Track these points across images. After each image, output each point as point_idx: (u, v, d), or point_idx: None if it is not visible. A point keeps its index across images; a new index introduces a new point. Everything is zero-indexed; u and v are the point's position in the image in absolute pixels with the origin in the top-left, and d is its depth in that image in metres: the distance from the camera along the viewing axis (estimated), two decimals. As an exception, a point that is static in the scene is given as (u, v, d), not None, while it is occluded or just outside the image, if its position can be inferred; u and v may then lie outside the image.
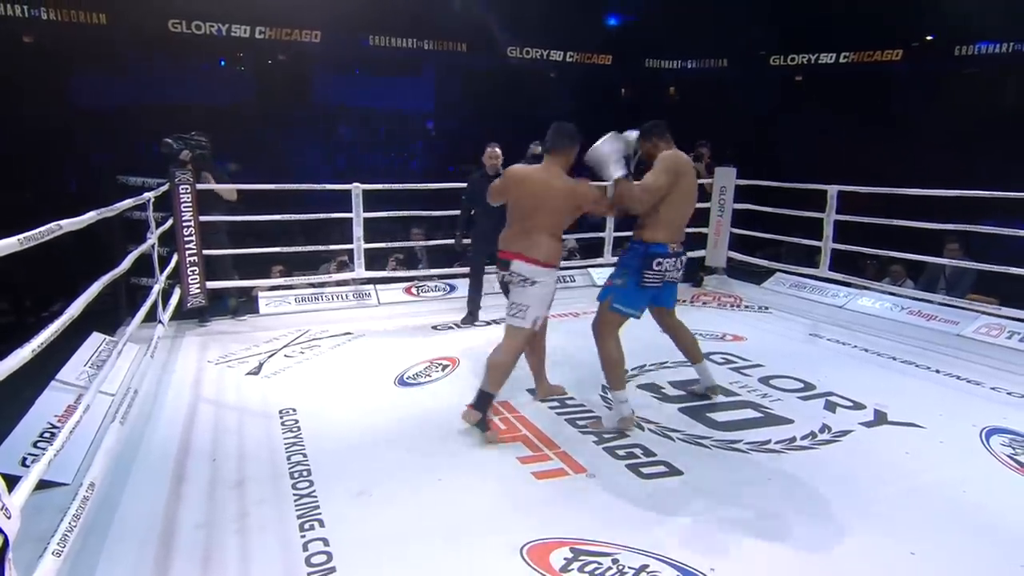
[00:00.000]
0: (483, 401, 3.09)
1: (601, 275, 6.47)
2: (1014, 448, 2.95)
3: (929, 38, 18.20)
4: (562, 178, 3.05)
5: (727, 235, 6.51)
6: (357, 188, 5.47)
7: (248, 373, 3.95)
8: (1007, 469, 2.78)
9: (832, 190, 5.61)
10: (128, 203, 3.65)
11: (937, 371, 4.09)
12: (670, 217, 3.12)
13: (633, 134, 3.10)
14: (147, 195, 4.14)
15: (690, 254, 6.62)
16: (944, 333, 4.85)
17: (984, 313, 4.90)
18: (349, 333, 4.79)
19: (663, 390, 3.67)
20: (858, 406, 3.44)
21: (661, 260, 3.10)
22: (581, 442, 3.01)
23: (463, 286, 6.07)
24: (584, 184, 3.09)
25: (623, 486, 2.63)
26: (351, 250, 5.59)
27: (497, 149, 5.15)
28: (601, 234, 6.43)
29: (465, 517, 2.41)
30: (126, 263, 3.45)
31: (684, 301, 5.19)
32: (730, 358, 4.23)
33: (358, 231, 5.48)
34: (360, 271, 5.64)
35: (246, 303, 5.44)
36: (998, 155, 10.59)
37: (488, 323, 5.14)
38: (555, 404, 3.47)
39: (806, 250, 6.37)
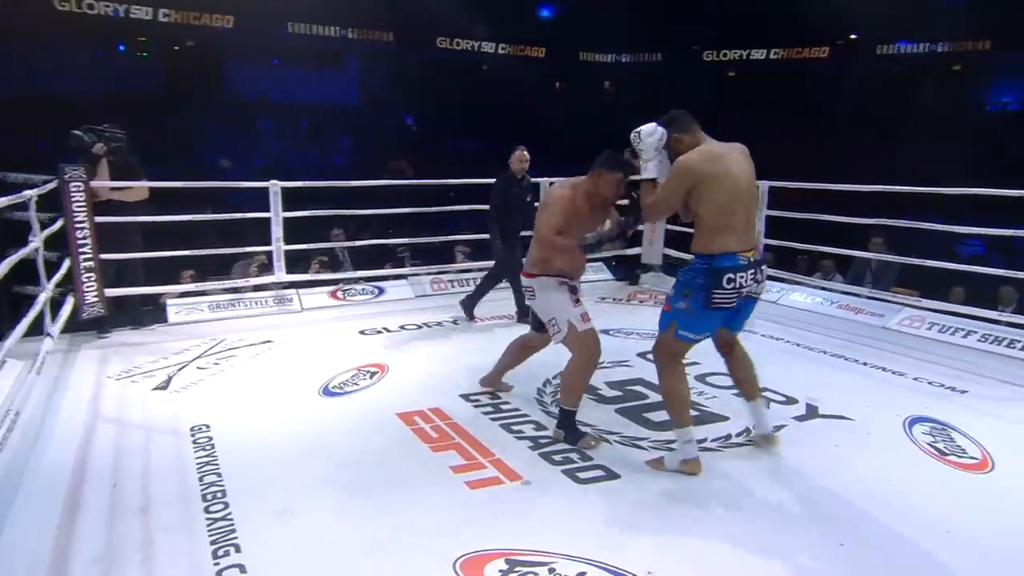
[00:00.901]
0: (563, 419, 3.10)
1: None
2: (934, 436, 3.16)
3: (853, 37, 19.33)
4: (557, 193, 3.09)
5: (663, 232, 6.69)
6: (275, 186, 5.31)
7: (155, 388, 3.77)
8: (928, 457, 2.98)
9: (763, 186, 5.86)
10: (3, 202, 3.41)
11: (864, 363, 4.34)
12: (721, 220, 2.64)
13: (646, 129, 2.79)
14: (28, 193, 3.87)
15: (627, 252, 6.84)
16: (871, 326, 5.15)
17: (907, 305, 5.24)
18: (269, 341, 4.65)
19: (599, 391, 3.74)
20: (791, 400, 3.61)
21: (733, 276, 2.62)
22: (516, 448, 3.03)
23: (392, 289, 6.02)
24: (553, 202, 3.04)
25: (560, 492, 2.66)
26: (271, 252, 5.43)
27: (526, 152, 5.16)
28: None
29: (395, 531, 2.37)
30: (2, 268, 3.22)
31: (620, 300, 5.31)
32: (667, 356, 4.35)
33: (277, 232, 5.33)
34: (281, 275, 5.48)
35: (153, 312, 5.19)
36: (916, 151, 11.34)
37: (419, 327, 5.09)
38: (489, 410, 3.48)
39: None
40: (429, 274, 6.29)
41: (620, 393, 3.71)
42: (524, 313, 5.23)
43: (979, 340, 4.60)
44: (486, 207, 6.63)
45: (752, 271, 2.65)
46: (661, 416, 3.39)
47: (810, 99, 17.42)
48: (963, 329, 4.74)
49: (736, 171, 2.68)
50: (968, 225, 5.78)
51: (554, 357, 4.31)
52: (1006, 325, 4.66)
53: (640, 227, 3.15)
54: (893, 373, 4.15)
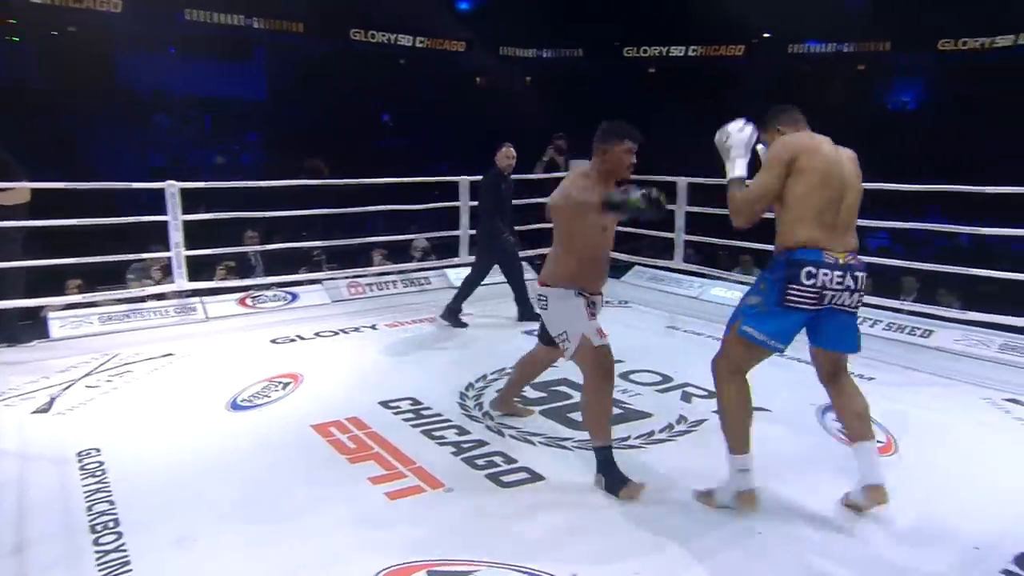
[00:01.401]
0: (600, 459, 2.76)
1: (459, 276, 6.51)
2: (842, 422, 3.36)
3: (767, 36, 20.34)
4: (569, 186, 2.80)
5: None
6: (172, 187, 5.06)
7: (35, 411, 3.51)
8: (839, 443, 3.16)
9: (681, 182, 6.07)
10: None
11: (783, 356, 4.55)
12: (811, 210, 2.39)
13: (735, 125, 2.57)
14: None
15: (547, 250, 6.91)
16: (787, 318, 5.42)
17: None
18: (170, 354, 4.42)
19: (523, 393, 3.76)
20: (712, 395, 3.74)
21: (813, 271, 2.35)
22: (438, 455, 3.01)
23: (306, 294, 5.85)
24: (567, 190, 2.75)
25: (483, 498, 2.66)
26: (170, 258, 5.16)
27: (512, 149, 5.15)
28: (455, 232, 6.47)
29: (311, 550, 2.31)
30: None
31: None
32: (591, 355, 4.43)
33: (176, 236, 5.08)
34: (182, 282, 5.23)
35: (32, 326, 4.83)
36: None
37: (336, 333, 4.97)
38: (410, 416, 3.44)
39: (665, 243, 6.83)
40: (346, 278, 6.16)
41: (544, 394, 3.75)
42: (525, 314, 5.22)
43: (884, 328, 4.92)
44: (409, 207, 6.59)
45: (841, 273, 2.37)
46: (585, 415, 3.45)
47: (727, 95, 18.21)
48: (870, 319, 5.06)
49: (838, 164, 2.45)
50: (875, 219, 6.18)
51: (487, 357, 4.33)
52: (907, 313, 5.01)
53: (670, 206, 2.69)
54: (806, 363, 4.37)
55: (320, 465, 2.92)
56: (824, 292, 2.36)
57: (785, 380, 4.14)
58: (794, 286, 2.36)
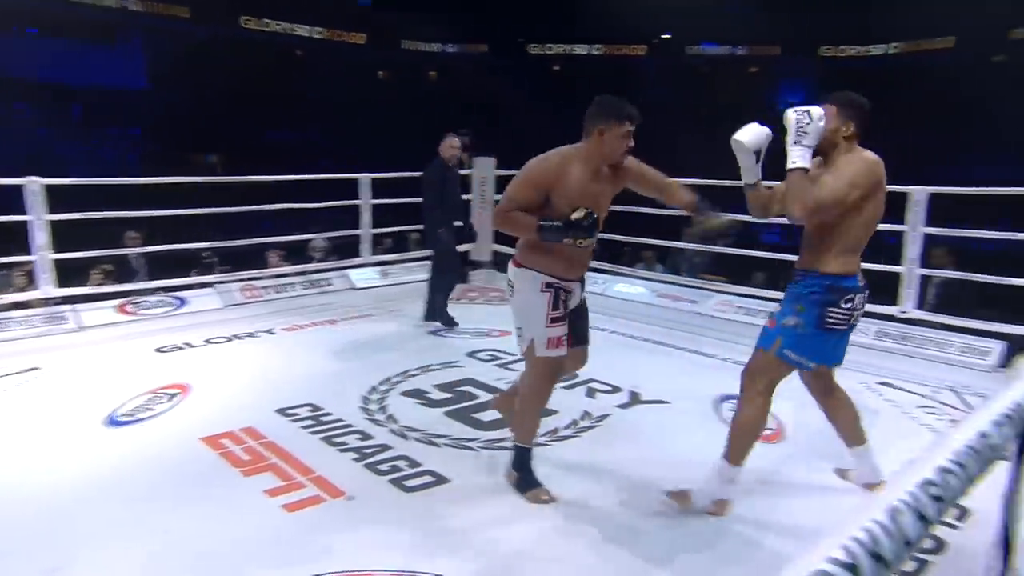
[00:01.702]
0: (516, 458, 2.73)
1: (362, 276, 6.40)
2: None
3: (666, 36, 21.21)
4: (534, 162, 2.58)
5: (490, 227, 6.86)
6: (34, 183, 4.68)
7: None
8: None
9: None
10: None
11: (682, 349, 4.78)
12: (862, 240, 2.45)
13: (816, 110, 2.36)
14: None
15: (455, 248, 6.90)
16: (687, 312, 5.69)
17: (717, 291, 5.85)
18: (35, 369, 4.09)
19: (428, 395, 3.76)
20: (615, 389, 3.88)
21: (853, 296, 2.44)
22: (339, 461, 2.95)
23: (196, 299, 5.57)
24: (524, 171, 2.56)
25: (386, 504, 2.63)
26: (33, 263, 4.77)
27: (457, 139, 5.10)
28: (356, 231, 6.34)
29: (198, 573, 2.20)
30: None
31: (451, 299, 5.37)
32: (497, 354, 4.48)
33: (41, 238, 4.70)
34: (48, 289, 4.84)
35: None
36: (727, 146, 12.72)
37: (229, 339, 4.76)
38: (310, 423, 3.35)
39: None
40: (239, 280, 5.90)
41: (450, 395, 3.75)
42: (437, 314, 5.11)
43: (776, 320, 5.26)
44: (309, 205, 6.38)
45: (864, 296, 2.50)
46: (491, 415, 3.48)
47: (631, 94, 18.86)
48: (763, 311, 5.38)
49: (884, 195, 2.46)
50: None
51: (391, 359, 4.27)
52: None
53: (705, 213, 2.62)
54: (705, 355, 4.62)
55: (210, 480, 2.79)
56: (853, 314, 2.47)
57: (680, 369, 4.35)
58: (833, 310, 2.44)
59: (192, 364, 4.25)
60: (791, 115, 2.36)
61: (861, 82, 16.95)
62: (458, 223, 5.30)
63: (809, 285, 2.47)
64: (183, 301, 5.51)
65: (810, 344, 2.48)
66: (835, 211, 2.37)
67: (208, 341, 4.72)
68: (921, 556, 2.31)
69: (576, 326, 2.75)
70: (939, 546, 2.37)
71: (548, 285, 2.59)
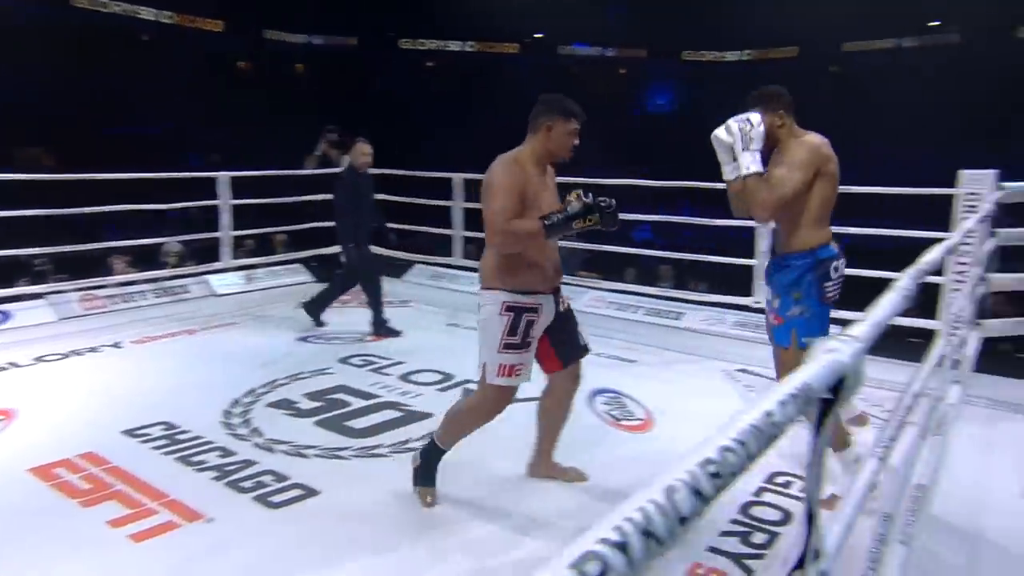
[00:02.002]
0: (428, 450, 2.67)
1: (223, 282, 6.06)
2: (610, 405, 3.71)
3: (539, 36, 21.71)
4: (498, 171, 2.49)
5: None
6: None
7: None
8: (605, 424, 3.48)
9: (457, 178, 6.25)
10: None
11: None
12: (826, 211, 2.62)
13: (755, 117, 2.52)
14: None
15: (327, 251, 6.70)
16: (562, 309, 5.84)
17: (592, 288, 6.06)
18: None
19: (296, 404, 3.62)
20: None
21: (837, 264, 2.62)
22: (196, 482, 2.77)
23: (23, 312, 5.06)
24: (496, 183, 2.45)
25: (249, 523, 2.50)
26: None
27: (368, 145, 4.95)
28: (216, 234, 6.00)
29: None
30: None
31: (332, 305, 5.20)
32: (370, 359, 4.39)
33: None
34: None
35: None
36: (594, 145, 13.20)
37: (65, 355, 4.34)
38: (163, 443, 3.13)
39: (445, 239, 6.95)
40: (78, 290, 5.40)
41: (320, 403, 3.63)
42: (380, 327, 4.93)
43: (645, 314, 5.52)
44: (160, 206, 5.97)
45: (842, 260, 2.65)
46: (364, 422, 3.42)
47: (506, 91, 19.12)
48: (633, 305, 5.64)
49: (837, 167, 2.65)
50: (640, 213, 6.90)
51: (255, 369, 4.04)
52: (664, 299, 5.66)
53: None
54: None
55: (41, 516, 2.53)
56: (841, 280, 2.63)
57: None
58: (828, 284, 2.59)
59: (18, 386, 3.84)
60: (734, 125, 2.51)
61: (718, 85, 18.21)
62: (374, 225, 5.27)
63: (797, 268, 2.60)
64: (7, 315, 4.97)
65: (818, 323, 2.60)
66: (796, 190, 2.53)
67: (39, 359, 4.28)
68: (772, 529, 2.51)
69: (562, 340, 2.68)
70: (786, 517, 2.59)
71: (509, 308, 2.51)
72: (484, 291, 2.57)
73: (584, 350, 2.77)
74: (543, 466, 2.88)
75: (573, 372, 2.76)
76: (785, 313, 2.63)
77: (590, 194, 2.51)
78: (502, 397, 2.59)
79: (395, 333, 4.97)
